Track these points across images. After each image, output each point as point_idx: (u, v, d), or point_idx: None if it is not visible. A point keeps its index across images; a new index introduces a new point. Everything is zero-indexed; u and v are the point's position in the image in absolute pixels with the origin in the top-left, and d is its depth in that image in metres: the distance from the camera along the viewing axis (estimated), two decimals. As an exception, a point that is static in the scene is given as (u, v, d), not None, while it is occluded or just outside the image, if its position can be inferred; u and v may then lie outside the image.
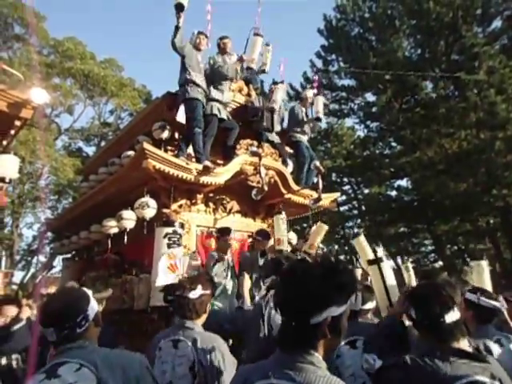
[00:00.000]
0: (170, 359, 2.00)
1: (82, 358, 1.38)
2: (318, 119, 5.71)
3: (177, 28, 4.34)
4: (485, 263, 3.19)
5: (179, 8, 4.23)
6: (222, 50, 4.98)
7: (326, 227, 4.52)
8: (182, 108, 4.44)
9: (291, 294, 1.10)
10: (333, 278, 1.09)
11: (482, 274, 3.09)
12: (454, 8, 12.23)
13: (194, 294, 2.10)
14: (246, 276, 3.60)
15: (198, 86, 4.45)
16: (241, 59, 4.89)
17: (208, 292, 2.18)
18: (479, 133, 12.24)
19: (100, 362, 1.37)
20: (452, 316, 1.49)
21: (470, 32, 12.31)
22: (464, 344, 1.46)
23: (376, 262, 2.38)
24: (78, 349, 1.43)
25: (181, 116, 4.39)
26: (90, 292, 1.62)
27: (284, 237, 4.13)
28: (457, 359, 1.39)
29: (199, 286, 2.13)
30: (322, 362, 1.07)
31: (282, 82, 5.35)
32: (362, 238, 3.21)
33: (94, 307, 1.55)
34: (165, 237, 3.71)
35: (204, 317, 2.17)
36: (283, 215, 4.10)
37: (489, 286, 3.05)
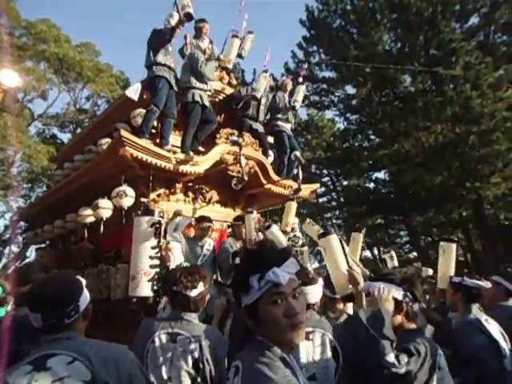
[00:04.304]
0: (166, 354, 1.89)
1: (73, 350, 1.28)
2: (293, 108, 5.72)
3: (173, 29, 4.29)
4: (454, 246, 3.28)
5: (189, 18, 4.16)
6: (199, 34, 4.98)
7: (294, 204, 4.62)
8: (137, 86, 4.37)
9: None
10: (235, 268, 1.17)
11: (450, 254, 3.18)
12: (434, 3, 12.39)
13: (194, 293, 1.97)
14: None
15: (164, 65, 4.38)
16: (218, 59, 5.03)
17: (207, 286, 2.06)
18: (455, 127, 12.54)
19: (93, 356, 1.28)
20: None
21: (448, 28, 12.51)
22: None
23: (329, 233, 2.16)
24: (68, 340, 1.33)
25: (131, 92, 4.31)
26: (83, 282, 1.51)
27: (255, 236, 4.09)
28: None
29: (200, 284, 2.00)
30: (267, 345, 1.04)
31: (265, 72, 5.32)
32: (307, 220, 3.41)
33: (86, 299, 1.45)
34: (151, 226, 3.63)
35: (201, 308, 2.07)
36: (254, 215, 4.06)
37: (452, 267, 3.18)
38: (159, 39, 4.38)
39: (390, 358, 1.57)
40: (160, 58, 4.37)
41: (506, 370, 2.10)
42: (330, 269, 2.10)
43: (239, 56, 5.57)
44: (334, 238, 2.10)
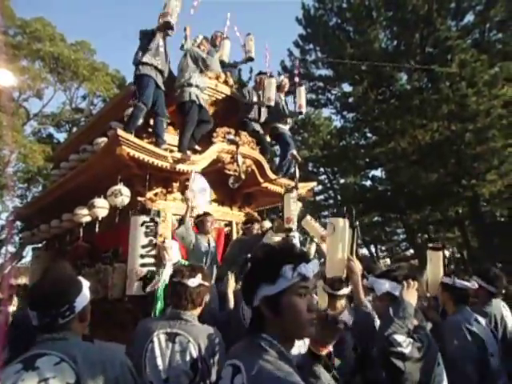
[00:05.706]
0: (165, 354, 1.87)
1: (61, 350, 1.28)
2: (301, 113, 5.67)
3: (152, 34, 4.45)
4: (440, 254, 2.95)
5: (167, 27, 4.43)
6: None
7: (291, 195, 4.28)
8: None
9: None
10: (254, 259, 1.15)
11: (437, 262, 2.87)
12: (429, 1, 12.40)
13: (192, 282, 1.97)
14: (230, 275, 3.48)
15: (150, 65, 4.38)
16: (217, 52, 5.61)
17: (207, 284, 2.05)
18: (450, 124, 12.57)
19: (80, 357, 1.27)
20: None
21: (444, 25, 12.52)
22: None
23: (342, 215, 2.18)
24: (60, 340, 1.32)
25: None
26: (85, 282, 1.49)
27: (294, 216, 3.91)
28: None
29: (199, 275, 2.01)
30: (270, 343, 1.04)
31: (271, 76, 5.32)
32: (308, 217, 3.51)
33: (84, 300, 1.43)
34: (142, 225, 3.64)
35: (199, 309, 2.04)
36: (294, 194, 3.94)
37: (441, 273, 2.88)
38: (142, 41, 4.43)
39: (399, 337, 1.61)
40: (147, 58, 4.37)
41: (492, 369, 2.09)
42: (329, 249, 2.10)
43: (249, 59, 5.97)
44: (343, 222, 2.11)
